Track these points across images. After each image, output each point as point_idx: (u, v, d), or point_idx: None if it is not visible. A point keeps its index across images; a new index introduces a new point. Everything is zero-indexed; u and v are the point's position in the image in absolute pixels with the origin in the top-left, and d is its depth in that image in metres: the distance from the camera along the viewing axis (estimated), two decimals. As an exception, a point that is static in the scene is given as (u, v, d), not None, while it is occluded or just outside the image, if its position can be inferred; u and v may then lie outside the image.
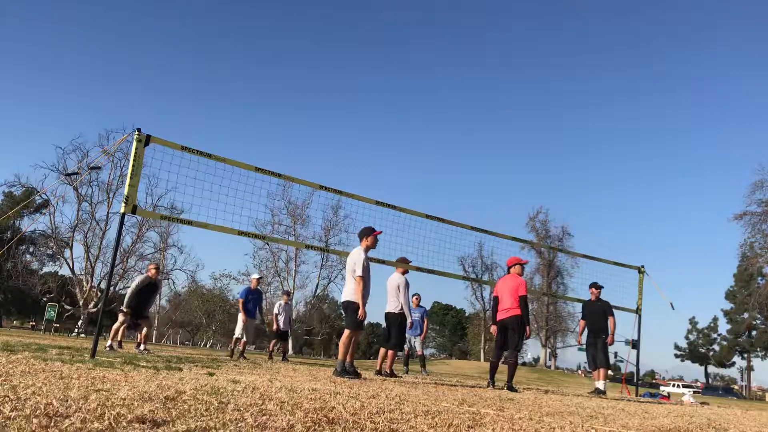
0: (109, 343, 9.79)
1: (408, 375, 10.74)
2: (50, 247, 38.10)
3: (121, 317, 10.05)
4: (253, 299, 12.02)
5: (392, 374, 8.54)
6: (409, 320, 8.73)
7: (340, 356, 6.76)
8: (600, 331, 9.56)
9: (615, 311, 11.52)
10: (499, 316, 7.87)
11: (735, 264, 58.11)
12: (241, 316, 11.98)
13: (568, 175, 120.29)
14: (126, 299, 10.02)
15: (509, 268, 8.20)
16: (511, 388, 7.51)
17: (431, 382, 8.11)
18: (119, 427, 2.26)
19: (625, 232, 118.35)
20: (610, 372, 10.39)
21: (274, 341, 13.71)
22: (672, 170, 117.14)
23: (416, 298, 12.76)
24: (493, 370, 8.06)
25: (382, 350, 8.76)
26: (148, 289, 10.27)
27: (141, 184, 7.16)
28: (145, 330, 9.95)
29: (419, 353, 12.69)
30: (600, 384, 9.39)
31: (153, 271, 10.29)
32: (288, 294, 14.22)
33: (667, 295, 11.49)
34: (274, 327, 13.40)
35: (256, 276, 12.60)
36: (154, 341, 42.89)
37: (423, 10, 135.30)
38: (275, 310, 13.39)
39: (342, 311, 7.12)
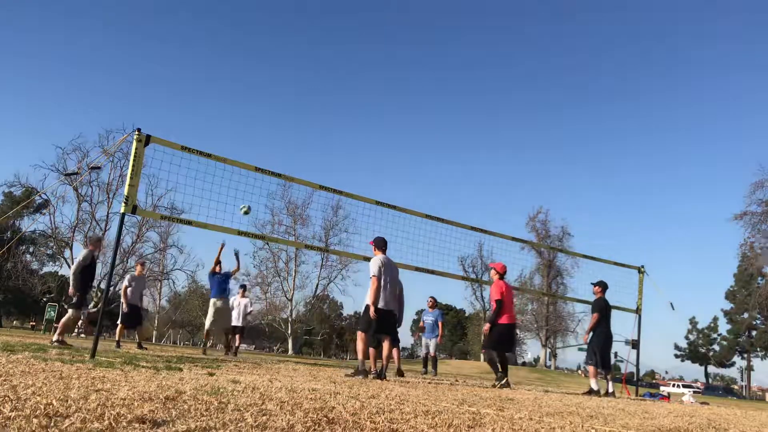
0: (55, 337, 9.14)
1: (422, 375, 10.87)
2: (50, 247, 38.12)
3: (71, 312, 9.19)
4: (218, 281, 11.45)
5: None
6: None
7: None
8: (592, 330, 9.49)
9: (616, 311, 11.58)
10: (510, 320, 8.36)
11: (735, 264, 58.13)
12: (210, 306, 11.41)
13: (568, 175, 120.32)
14: (72, 282, 9.18)
15: (504, 274, 8.58)
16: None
17: (431, 382, 8.11)
18: (119, 427, 2.26)
19: (625, 232, 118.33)
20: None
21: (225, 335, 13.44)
22: (672, 170, 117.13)
23: (431, 301, 12.80)
24: (500, 365, 8.37)
25: (374, 351, 8.76)
26: (91, 266, 9.57)
27: (141, 184, 7.17)
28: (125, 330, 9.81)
29: (432, 355, 12.65)
30: (592, 383, 9.32)
31: (95, 243, 9.72)
32: (244, 288, 13.88)
33: (667, 295, 11.48)
34: (234, 322, 13.01)
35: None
36: (153, 341, 42.92)
37: (425, 9, 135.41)
38: (233, 303, 13.07)
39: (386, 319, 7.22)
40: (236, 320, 12.91)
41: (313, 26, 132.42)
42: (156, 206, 31.53)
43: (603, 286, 9.67)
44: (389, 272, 7.16)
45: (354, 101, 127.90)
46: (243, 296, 13.33)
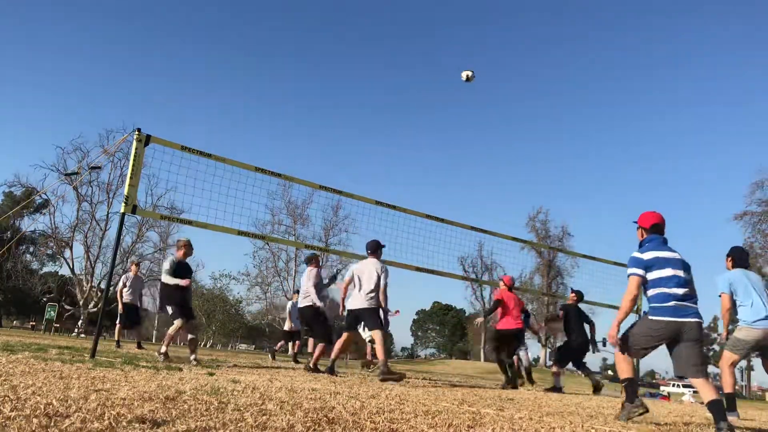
0: (164, 349, 7.46)
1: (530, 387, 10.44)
2: (50, 247, 38.09)
3: (178, 322, 7.44)
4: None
5: (317, 369, 7.91)
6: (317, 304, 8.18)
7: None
8: None
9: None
10: (511, 326, 8.72)
11: (735, 264, 57.95)
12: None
13: (567, 175, 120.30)
14: (160, 295, 7.74)
15: (511, 287, 9.02)
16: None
17: (431, 383, 8.11)
18: (119, 427, 2.26)
19: (625, 232, 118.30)
20: (610, 372, 10.35)
21: (282, 342, 13.40)
22: (672, 170, 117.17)
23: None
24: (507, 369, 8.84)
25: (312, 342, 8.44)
26: (179, 272, 7.79)
27: (141, 184, 7.17)
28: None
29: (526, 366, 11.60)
30: (554, 380, 9.43)
31: (185, 246, 8.00)
32: (298, 293, 13.99)
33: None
34: (286, 326, 13.27)
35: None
36: (153, 341, 42.91)
37: (422, 8, 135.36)
38: (288, 309, 13.25)
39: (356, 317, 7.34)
40: (298, 325, 12.98)
41: (313, 23, 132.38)
42: (156, 206, 31.53)
43: (579, 295, 9.85)
44: (359, 273, 7.23)
45: (354, 101, 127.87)
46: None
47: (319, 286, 8.44)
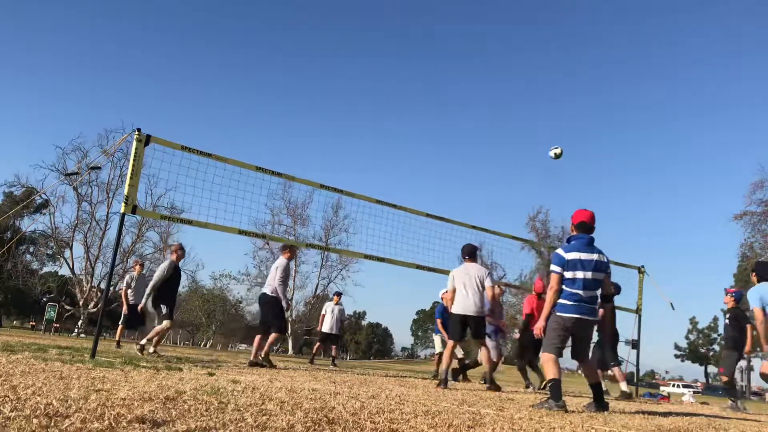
0: (143, 341, 8.37)
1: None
2: (50, 247, 38.09)
3: (167, 323, 8.40)
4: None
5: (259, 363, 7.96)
6: (284, 303, 8.26)
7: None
8: None
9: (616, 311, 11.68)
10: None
11: (735, 264, 57.95)
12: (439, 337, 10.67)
13: (567, 175, 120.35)
14: (150, 293, 8.44)
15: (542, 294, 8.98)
16: None
17: (431, 383, 8.10)
18: (119, 427, 2.26)
19: (624, 232, 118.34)
20: (609, 372, 9.86)
21: (318, 344, 13.28)
22: (672, 170, 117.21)
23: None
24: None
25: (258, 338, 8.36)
26: (174, 277, 8.62)
27: (141, 184, 7.16)
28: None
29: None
30: (623, 386, 8.54)
31: (178, 251, 8.75)
32: (339, 295, 13.74)
33: (667, 295, 11.44)
34: (318, 327, 13.12)
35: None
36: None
37: (425, 10, 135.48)
38: (323, 311, 13.10)
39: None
40: (331, 328, 12.83)
41: (314, 22, 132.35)
42: (156, 206, 31.50)
43: None
44: (463, 278, 7.10)
45: (354, 101, 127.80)
46: (337, 303, 13.23)
47: (286, 280, 8.32)
